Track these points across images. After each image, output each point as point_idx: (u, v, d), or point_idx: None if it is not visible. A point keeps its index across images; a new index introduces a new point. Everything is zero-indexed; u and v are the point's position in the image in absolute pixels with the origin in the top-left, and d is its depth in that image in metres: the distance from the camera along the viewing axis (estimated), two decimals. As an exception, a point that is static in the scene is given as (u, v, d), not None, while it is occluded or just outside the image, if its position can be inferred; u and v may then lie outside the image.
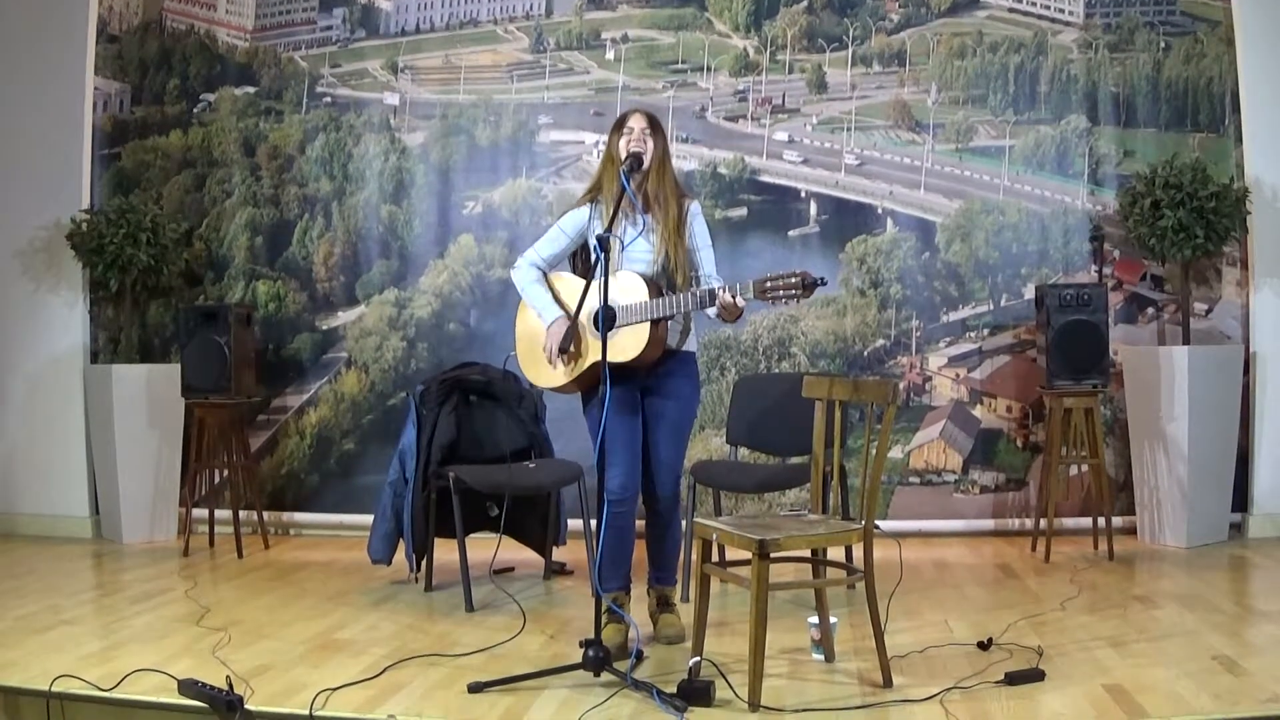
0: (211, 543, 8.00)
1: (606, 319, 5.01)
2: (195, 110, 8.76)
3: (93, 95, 8.68)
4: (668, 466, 5.46)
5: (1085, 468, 7.60)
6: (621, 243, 5.35)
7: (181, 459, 8.24)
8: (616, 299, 5.18)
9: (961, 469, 8.03)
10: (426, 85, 8.60)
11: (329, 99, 8.65)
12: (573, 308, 5.22)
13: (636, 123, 5.43)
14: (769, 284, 4.88)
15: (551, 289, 5.52)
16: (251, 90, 8.73)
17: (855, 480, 6.86)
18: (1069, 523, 7.74)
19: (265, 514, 8.16)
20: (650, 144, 5.39)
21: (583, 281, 5.23)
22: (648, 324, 5.19)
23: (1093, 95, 8.06)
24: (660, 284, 5.33)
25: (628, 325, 5.21)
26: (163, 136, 8.74)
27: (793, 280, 4.82)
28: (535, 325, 5.52)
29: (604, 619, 4.93)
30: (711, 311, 5.11)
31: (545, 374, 5.50)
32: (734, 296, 4.97)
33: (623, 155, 5.34)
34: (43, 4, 8.60)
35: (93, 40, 8.67)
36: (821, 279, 4.83)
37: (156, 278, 8.27)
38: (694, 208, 5.51)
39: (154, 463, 8.17)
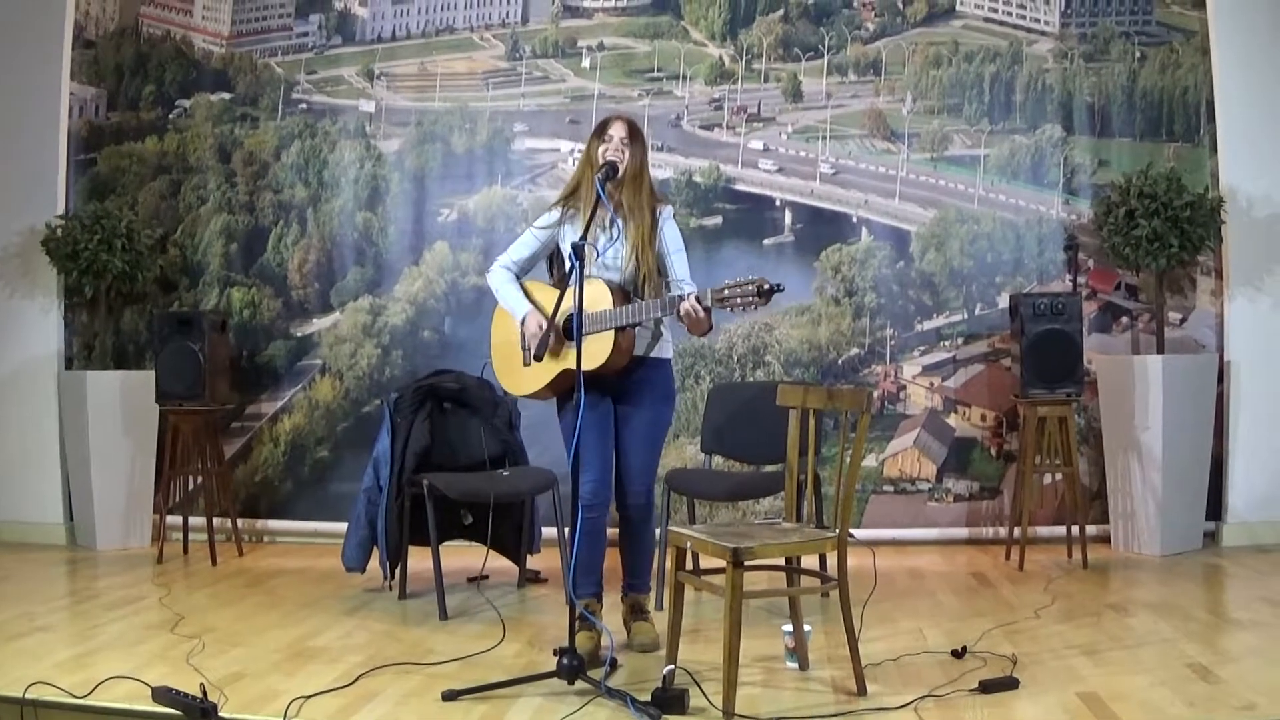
0: (185, 550, 7.95)
1: (571, 327, 5.01)
2: (171, 116, 8.72)
3: (68, 100, 8.65)
4: (639, 473, 5.44)
5: (1059, 476, 7.62)
6: (596, 251, 5.34)
7: (156, 466, 8.20)
8: (584, 307, 5.16)
9: (936, 478, 8.02)
10: (402, 92, 8.58)
11: (305, 105, 8.63)
12: (549, 313, 5.23)
13: (617, 131, 5.42)
14: (726, 291, 4.85)
15: (528, 295, 5.52)
16: (227, 96, 8.69)
17: (829, 488, 6.86)
18: (1043, 531, 7.74)
19: (239, 521, 8.11)
20: (628, 153, 5.38)
21: (557, 290, 5.24)
22: (611, 332, 5.19)
23: (1068, 105, 8.07)
24: (628, 291, 5.32)
25: (593, 333, 5.20)
26: (138, 142, 8.70)
27: (749, 287, 4.79)
28: (510, 334, 5.53)
29: (577, 626, 4.91)
30: (676, 318, 5.10)
31: (520, 382, 5.51)
32: (697, 304, 4.94)
33: (599, 163, 5.34)
34: (18, 8, 8.56)
35: (69, 45, 8.64)
36: (778, 285, 4.78)
37: (131, 284, 8.24)
38: (665, 212, 5.49)
39: (128, 469, 8.14)
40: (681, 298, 4.99)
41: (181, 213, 8.62)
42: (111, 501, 8.11)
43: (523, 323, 5.44)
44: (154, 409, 8.07)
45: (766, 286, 4.76)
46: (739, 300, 4.82)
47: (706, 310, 4.97)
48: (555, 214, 5.55)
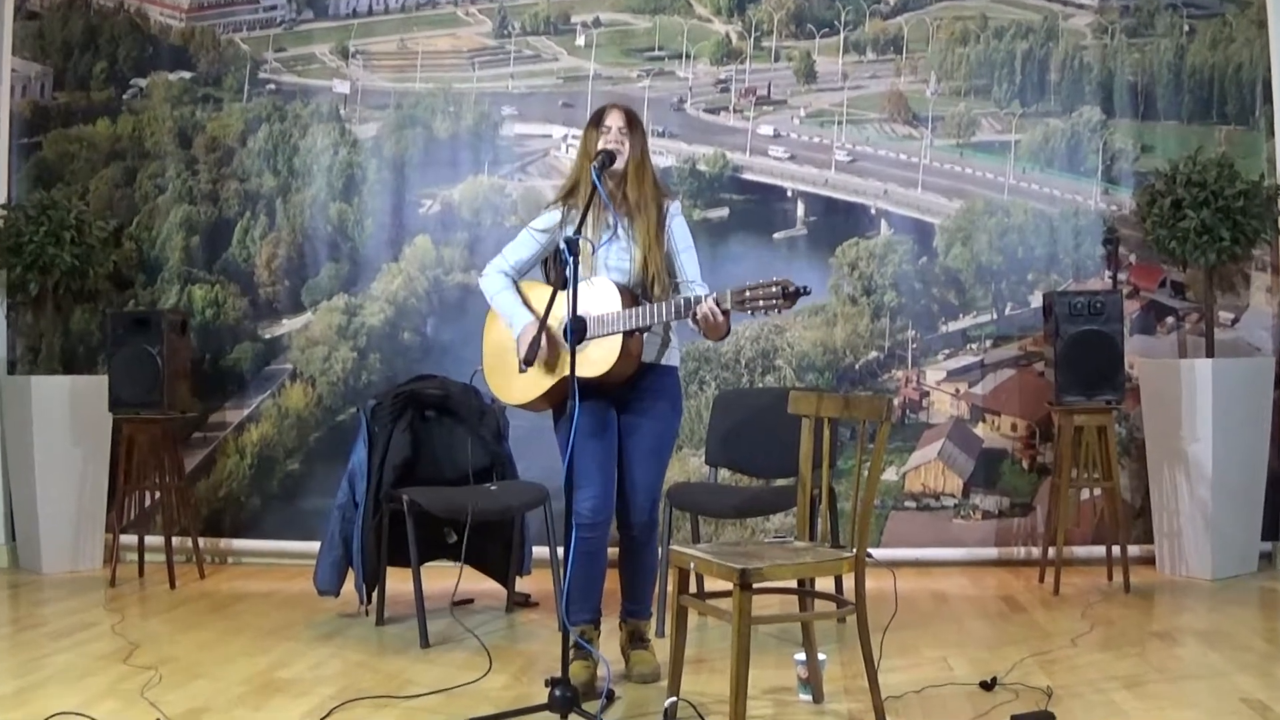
0: (141, 572, 7.98)
1: (577, 330, 5.02)
2: (125, 96, 8.74)
3: (10, 78, 8.67)
4: (644, 489, 5.45)
5: (1098, 491, 7.62)
6: (593, 246, 5.35)
7: (108, 480, 8.19)
8: (588, 309, 5.19)
9: (962, 492, 8.04)
10: (380, 72, 8.59)
11: (273, 86, 8.64)
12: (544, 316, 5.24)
13: (613, 120, 5.44)
14: (747, 293, 4.85)
15: (524, 298, 5.53)
16: (187, 75, 8.71)
17: (846, 504, 6.88)
18: (1080, 551, 7.76)
19: (201, 541, 8.11)
20: (627, 144, 5.40)
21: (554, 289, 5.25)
22: (619, 336, 5.19)
23: (1108, 85, 8.08)
24: (636, 293, 5.34)
25: (598, 337, 5.21)
26: (89, 125, 8.72)
27: (773, 289, 4.80)
28: (504, 337, 5.53)
29: (571, 654, 4.92)
30: (689, 321, 5.11)
31: (515, 390, 5.51)
32: (715, 307, 4.96)
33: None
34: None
35: (10, 17, 8.67)
36: (805, 287, 4.79)
37: (81, 280, 8.23)
38: (673, 207, 5.52)
39: (77, 484, 8.13)
40: (699, 299, 5.01)
41: (137, 203, 8.64)
42: (59, 520, 8.11)
43: (520, 336, 5.40)
44: (107, 418, 8.08)
45: (792, 289, 4.77)
46: (761, 303, 4.82)
47: (725, 314, 4.99)
48: (555, 214, 5.57)
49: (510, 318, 5.48)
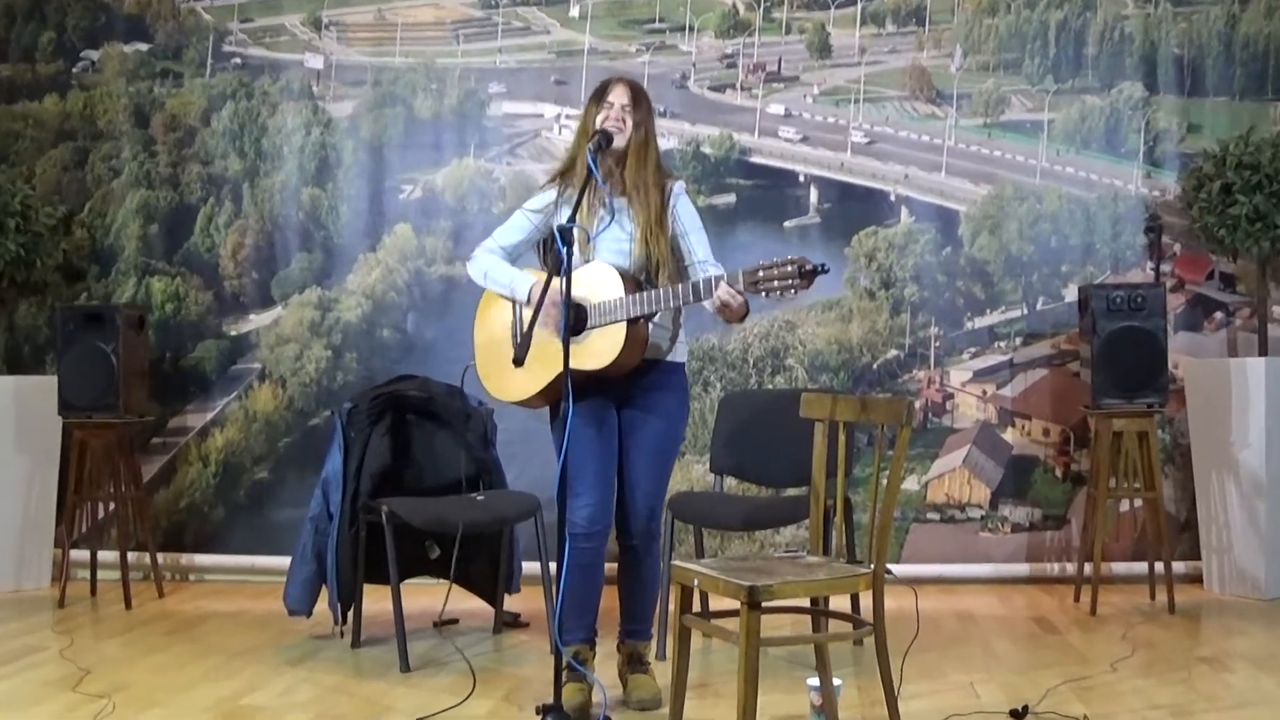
0: (93, 591, 7.95)
1: (574, 320, 5.00)
2: (75, 70, 8.74)
3: (-54, 51, 8.68)
4: (646, 497, 5.43)
5: (1139, 502, 7.62)
6: (589, 234, 5.34)
7: (58, 490, 8.17)
8: (586, 295, 5.17)
9: (989, 504, 8.04)
10: (356, 45, 8.59)
11: (238, 60, 8.64)
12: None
13: (617, 97, 5.41)
14: (760, 274, 4.87)
15: None
16: (144, 47, 8.70)
17: (863, 516, 6.87)
18: (1119, 568, 7.76)
19: (159, 556, 8.09)
20: (629, 123, 5.38)
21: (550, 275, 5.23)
22: (624, 324, 5.17)
23: (1151, 58, 8.08)
24: (639, 279, 5.33)
25: (600, 326, 5.19)
26: (35, 101, 8.71)
27: (788, 268, 4.81)
28: (497, 330, 5.51)
29: (564, 678, 4.91)
30: (709, 304, 5.10)
31: (511, 386, 5.46)
32: (731, 289, 4.95)
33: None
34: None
35: (-55, -17, 8.67)
36: (823, 266, 4.80)
37: (28, 272, 8.23)
38: (677, 188, 5.51)
39: (23, 494, 8.11)
40: (719, 279, 5.00)
41: (89, 187, 8.64)
42: (2, 534, 8.08)
43: (539, 295, 5.15)
44: (56, 422, 8.06)
45: (809, 267, 4.78)
46: (776, 284, 4.83)
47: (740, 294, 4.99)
48: (550, 194, 5.55)
49: (510, 285, 5.43)
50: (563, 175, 5.54)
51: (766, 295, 4.89)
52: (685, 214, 5.46)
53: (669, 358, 5.46)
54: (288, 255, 8.50)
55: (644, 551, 5.51)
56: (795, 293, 4.85)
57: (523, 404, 5.51)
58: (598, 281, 5.23)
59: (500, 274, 5.48)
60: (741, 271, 4.94)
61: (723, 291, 4.97)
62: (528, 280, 5.37)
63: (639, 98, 5.45)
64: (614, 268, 5.26)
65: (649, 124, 5.47)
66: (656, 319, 5.30)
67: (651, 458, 5.45)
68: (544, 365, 5.28)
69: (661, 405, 5.45)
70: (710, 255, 5.43)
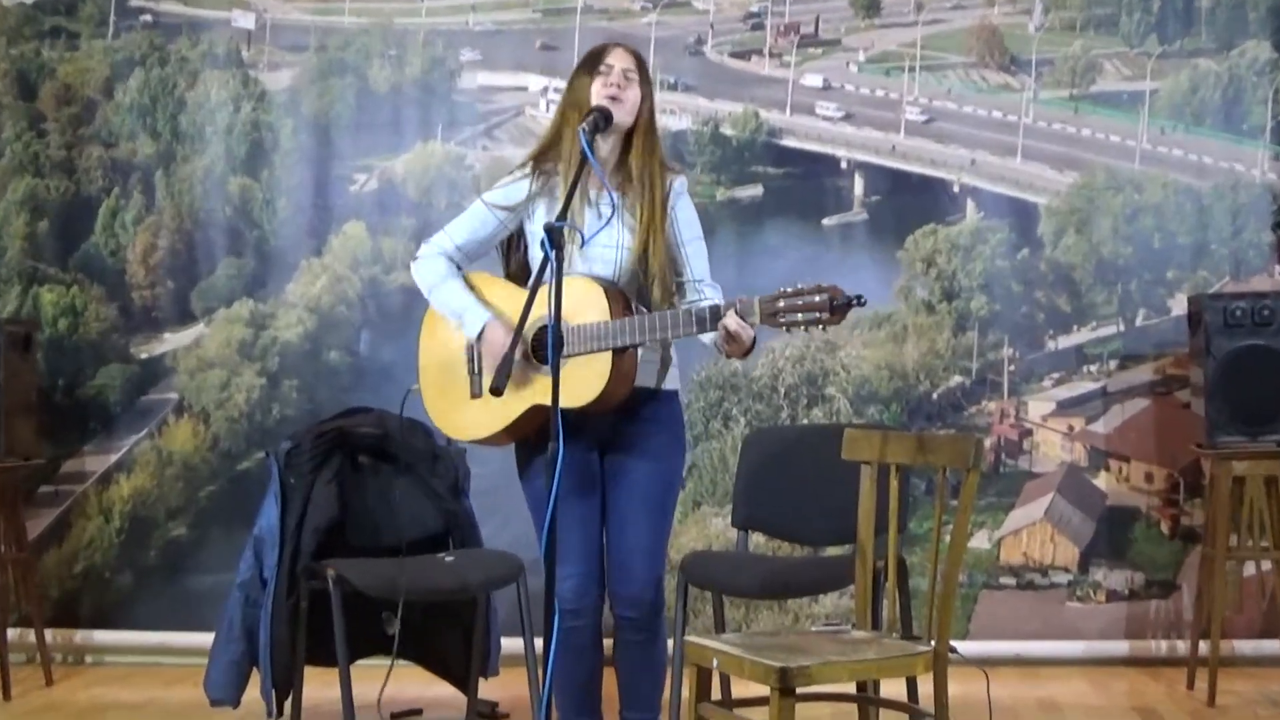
0: (-32, 676, 7.99)
1: (544, 344, 4.97)
2: (-58, 32, 8.78)
3: None
4: (643, 556, 5.41)
5: (1267, 565, 7.61)
6: (583, 237, 5.32)
7: (-76, 550, 8.20)
8: (564, 316, 5.12)
9: (1079, 566, 8.05)
10: (296, 1, 8.61)
11: (149, 17, 8.67)
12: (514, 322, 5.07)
13: (618, 60, 5.37)
14: (781, 304, 4.80)
15: (475, 292, 5.47)
16: (28, 1, 8.72)
17: (921, 581, 6.88)
18: (1244, 647, 7.77)
19: (48, 633, 8.09)
20: (633, 95, 5.36)
21: (519, 290, 5.22)
22: (608, 354, 5.13)
23: None
24: (629, 294, 5.32)
25: (578, 355, 5.14)
26: (-113, 68, 8.76)
27: (815, 299, 4.76)
28: (449, 350, 5.50)
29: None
30: (707, 338, 5.09)
31: (465, 421, 5.46)
32: (741, 320, 4.93)
33: (589, 107, 5.29)
34: None
35: None
36: (860, 298, 4.75)
37: (-117, 280, 8.28)
38: (678, 185, 5.49)
39: (-119, 556, 8.14)
40: (726, 306, 4.95)
41: (-38, 174, 8.68)
42: None
43: (479, 337, 5.32)
44: (-75, 466, 8.10)
45: (841, 300, 4.73)
46: (800, 317, 4.77)
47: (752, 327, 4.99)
48: (522, 182, 5.48)
49: (460, 314, 5.38)
50: (539, 161, 5.47)
51: (788, 330, 4.85)
52: (686, 219, 5.44)
53: (660, 385, 5.44)
54: (212, 260, 8.53)
55: (646, 625, 5.45)
56: (823, 328, 4.83)
57: (479, 443, 5.51)
58: (578, 298, 5.13)
59: (449, 298, 5.44)
60: (758, 300, 4.86)
61: (732, 323, 4.91)
62: (481, 316, 5.32)
63: (642, 66, 5.43)
64: (597, 282, 5.22)
65: (652, 103, 5.46)
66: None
67: (647, 509, 5.40)
68: (507, 399, 5.12)
69: (654, 442, 5.42)
70: (708, 274, 5.43)
